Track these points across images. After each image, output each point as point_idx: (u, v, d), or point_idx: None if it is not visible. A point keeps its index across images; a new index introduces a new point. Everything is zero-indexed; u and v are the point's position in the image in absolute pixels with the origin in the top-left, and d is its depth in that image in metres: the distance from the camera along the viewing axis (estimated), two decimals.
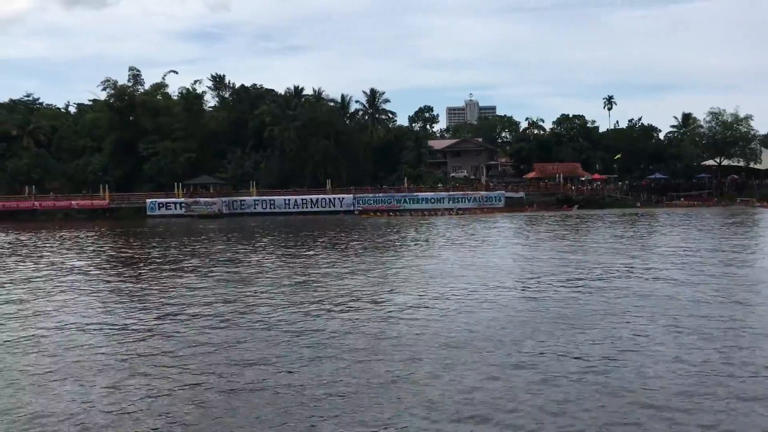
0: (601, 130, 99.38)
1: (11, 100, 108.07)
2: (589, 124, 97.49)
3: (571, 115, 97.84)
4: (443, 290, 19.33)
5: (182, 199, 74.10)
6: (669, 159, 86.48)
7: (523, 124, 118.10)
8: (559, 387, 10.30)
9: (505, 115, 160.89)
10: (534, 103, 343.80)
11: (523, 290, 19.22)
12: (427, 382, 10.70)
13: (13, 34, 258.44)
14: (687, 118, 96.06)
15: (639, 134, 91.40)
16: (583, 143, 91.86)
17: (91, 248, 37.78)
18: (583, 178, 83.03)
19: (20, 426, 9.21)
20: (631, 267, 23.60)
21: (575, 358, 11.91)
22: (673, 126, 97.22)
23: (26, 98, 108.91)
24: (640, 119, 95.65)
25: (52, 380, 11.30)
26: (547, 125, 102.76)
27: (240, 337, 13.95)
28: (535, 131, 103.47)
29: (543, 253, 29.65)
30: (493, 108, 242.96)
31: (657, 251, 29.01)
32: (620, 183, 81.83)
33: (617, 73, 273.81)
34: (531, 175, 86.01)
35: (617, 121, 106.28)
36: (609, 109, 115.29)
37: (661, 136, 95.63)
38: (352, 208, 71.56)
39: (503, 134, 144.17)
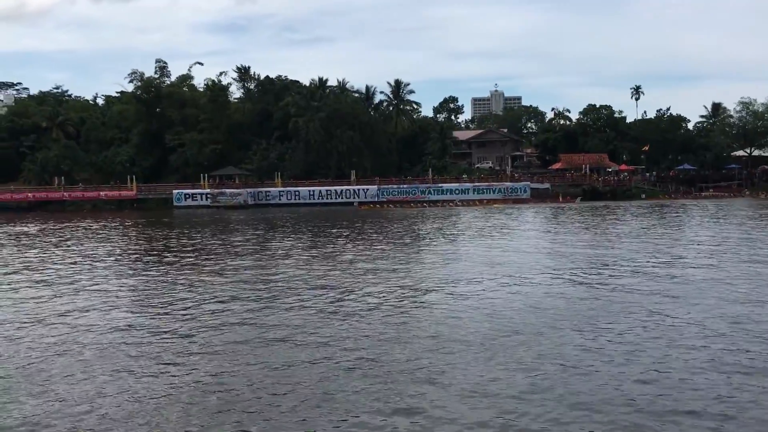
0: (629, 120, 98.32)
1: (41, 93, 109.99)
2: (616, 115, 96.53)
3: (597, 106, 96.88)
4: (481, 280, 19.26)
5: (208, 190, 74.69)
6: (698, 149, 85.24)
7: (549, 115, 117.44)
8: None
9: (530, 106, 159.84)
10: (560, 93, 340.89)
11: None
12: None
13: (43, 26, 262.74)
14: (717, 107, 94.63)
15: (667, 124, 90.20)
16: (610, 134, 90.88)
17: (118, 238, 38.29)
18: (610, 169, 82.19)
19: (45, 411, 9.35)
20: (656, 260, 23.30)
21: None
22: (702, 116, 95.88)
23: (55, 90, 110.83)
24: (668, 109, 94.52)
25: (72, 369, 11.47)
26: (574, 116, 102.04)
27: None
28: (561, 122, 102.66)
29: (570, 246, 29.38)
30: (519, 98, 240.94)
31: (683, 244, 28.61)
32: (648, 174, 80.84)
33: (645, 62, 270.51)
34: (557, 166, 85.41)
35: (645, 111, 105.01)
36: (637, 99, 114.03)
37: (690, 126, 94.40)
38: (376, 199, 71.68)
39: (529, 125, 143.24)
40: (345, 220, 48.86)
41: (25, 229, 46.49)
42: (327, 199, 72.70)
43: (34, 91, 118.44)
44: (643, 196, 70.63)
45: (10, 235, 41.59)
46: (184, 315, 15.60)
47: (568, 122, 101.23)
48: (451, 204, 68.63)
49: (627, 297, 16.52)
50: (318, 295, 17.55)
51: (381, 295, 17.37)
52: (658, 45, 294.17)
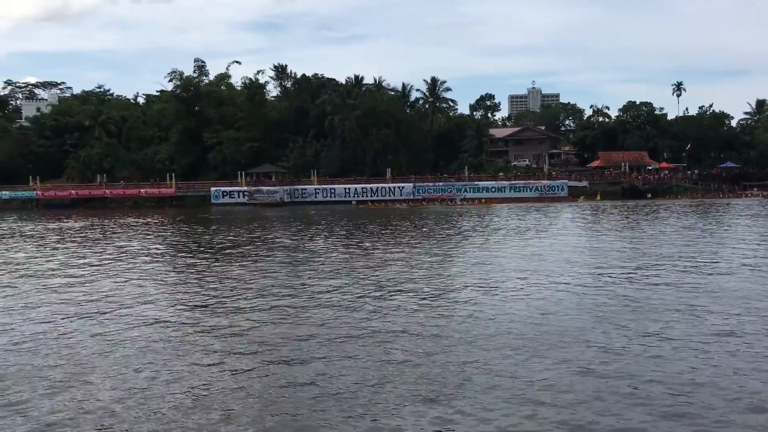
0: (670, 117, 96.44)
1: (84, 92, 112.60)
2: (656, 111, 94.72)
3: (637, 102, 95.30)
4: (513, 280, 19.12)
5: (245, 188, 75.51)
6: (741, 147, 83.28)
7: (588, 112, 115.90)
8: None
9: (568, 103, 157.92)
10: (599, 90, 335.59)
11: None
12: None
13: (85, 26, 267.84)
14: (761, 104, 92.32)
15: (710, 121, 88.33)
16: (650, 131, 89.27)
17: (159, 234, 38.95)
18: (650, 167, 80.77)
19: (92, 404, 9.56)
20: (696, 260, 22.83)
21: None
22: (746, 113, 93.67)
23: (98, 90, 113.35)
24: (710, 106, 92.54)
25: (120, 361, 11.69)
26: (613, 113, 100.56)
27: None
28: (600, 119, 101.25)
29: (612, 244, 28.96)
30: (557, 95, 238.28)
31: (724, 243, 27.98)
32: (689, 172, 79.27)
33: (687, 58, 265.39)
34: (595, 163, 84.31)
35: (686, 108, 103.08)
36: (678, 95, 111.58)
37: (734, 123, 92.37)
38: (411, 197, 71.67)
39: (567, 122, 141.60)
40: (382, 217, 48.92)
41: (70, 224, 47.59)
42: (363, 196, 72.84)
43: (77, 91, 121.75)
44: (682, 194, 69.37)
45: (55, 230, 42.62)
46: (233, 309, 15.80)
47: (607, 119, 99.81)
48: (478, 201, 68.30)
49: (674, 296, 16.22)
50: (359, 293, 17.59)
51: (426, 291, 17.36)
52: (700, 39, 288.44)
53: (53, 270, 23.42)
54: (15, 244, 33.79)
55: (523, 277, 19.58)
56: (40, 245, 33.03)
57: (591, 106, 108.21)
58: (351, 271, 21.43)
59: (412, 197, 71.55)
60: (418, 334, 12.97)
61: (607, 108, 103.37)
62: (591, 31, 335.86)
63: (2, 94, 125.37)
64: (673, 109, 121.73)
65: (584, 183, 74.54)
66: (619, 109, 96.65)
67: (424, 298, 16.63)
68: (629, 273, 19.95)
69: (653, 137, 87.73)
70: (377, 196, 72.73)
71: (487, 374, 10.46)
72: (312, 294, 17.53)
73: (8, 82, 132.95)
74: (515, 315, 14.49)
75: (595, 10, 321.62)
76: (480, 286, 18.18)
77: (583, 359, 11.11)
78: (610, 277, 19.36)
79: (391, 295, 17.09)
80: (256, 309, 15.76)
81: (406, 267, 22.26)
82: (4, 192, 78.68)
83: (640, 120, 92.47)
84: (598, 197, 69.06)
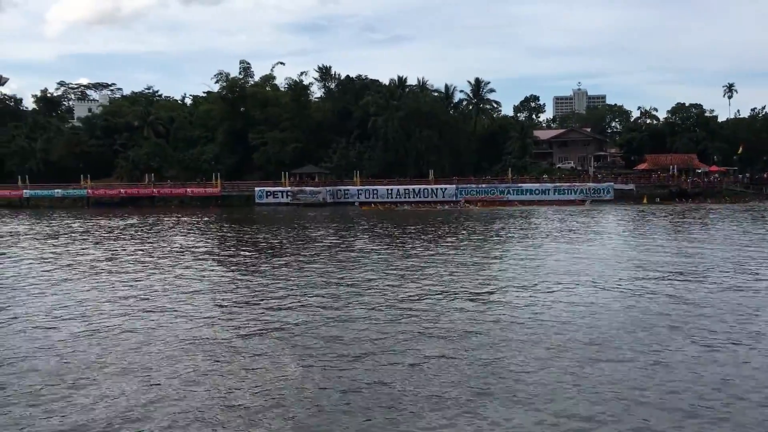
0: (720, 119, 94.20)
1: (133, 93, 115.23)
2: (706, 114, 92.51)
3: (687, 104, 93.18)
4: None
5: (288, 188, 76.13)
6: None
7: (635, 114, 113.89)
8: None
9: (615, 105, 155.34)
10: (647, 91, 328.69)
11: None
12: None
13: (136, 29, 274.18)
14: None
15: (762, 124, 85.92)
16: (700, 133, 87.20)
17: (206, 233, 39.60)
18: (699, 170, 78.87)
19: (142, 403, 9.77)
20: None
21: None
22: None
23: (147, 91, 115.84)
24: (763, 108, 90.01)
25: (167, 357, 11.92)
26: (661, 114, 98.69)
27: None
28: (648, 121, 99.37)
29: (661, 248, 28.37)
30: (603, 97, 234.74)
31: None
32: (741, 176, 77.18)
33: (739, 59, 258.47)
34: (642, 166, 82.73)
35: (738, 110, 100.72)
36: (729, 97, 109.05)
37: None
38: (454, 198, 71.41)
39: (613, 124, 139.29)
40: (422, 219, 48.86)
41: (118, 222, 48.73)
42: (405, 197, 72.84)
43: (127, 92, 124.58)
44: (732, 198, 67.57)
45: (110, 228, 43.70)
46: (283, 306, 15.98)
47: (654, 121, 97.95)
48: (481, 204, 67.91)
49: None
50: (403, 294, 17.61)
51: (480, 291, 17.30)
52: (752, 40, 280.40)
53: (103, 265, 24.02)
54: (70, 242, 34.74)
55: (570, 280, 19.33)
56: (91, 242, 33.92)
57: (638, 108, 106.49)
58: (395, 271, 21.45)
59: (454, 199, 71.25)
60: (474, 334, 12.92)
61: (655, 110, 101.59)
62: (639, 31, 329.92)
63: (56, 95, 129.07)
64: (724, 111, 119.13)
65: (630, 186, 73.19)
66: (668, 111, 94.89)
67: (474, 300, 16.55)
68: (676, 278, 19.52)
69: (703, 140, 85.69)
70: (419, 197, 72.61)
71: (544, 384, 10.36)
72: (356, 292, 17.60)
73: (61, 84, 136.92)
74: (562, 319, 14.32)
75: (643, 10, 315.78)
76: (525, 288, 18.01)
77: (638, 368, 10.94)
78: (657, 282, 18.97)
79: (437, 295, 17.04)
80: (304, 306, 15.89)
81: (450, 268, 22.19)
82: (56, 190, 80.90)
83: (689, 122, 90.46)
84: (645, 200, 67.81)
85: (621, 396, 9.50)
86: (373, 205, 70.16)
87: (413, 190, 73.75)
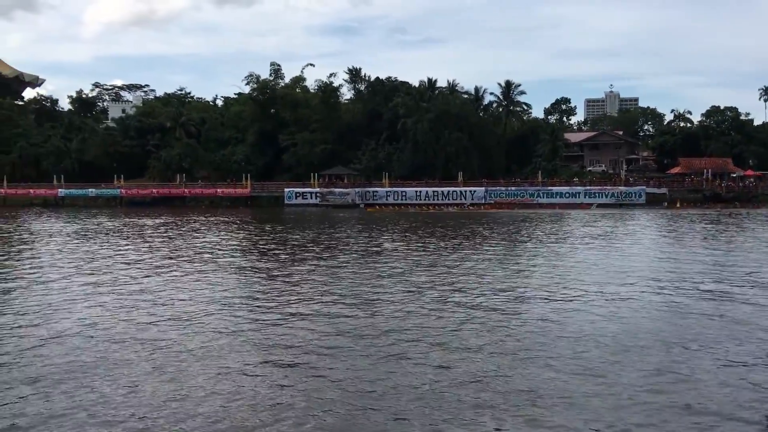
0: (756, 122, 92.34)
1: (166, 94, 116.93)
2: (742, 117, 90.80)
3: (722, 107, 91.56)
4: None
5: (318, 189, 76.49)
6: None
7: (668, 117, 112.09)
8: None
9: (648, 107, 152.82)
10: (680, 94, 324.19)
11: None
12: None
13: (170, 32, 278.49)
14: None
15: None
16: (735, 137, 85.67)
17: (237, 232, 39.97)
18: (734, 174, 77.42)
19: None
20: None
21: None
22: None
23: (179, 92, 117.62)
24: None
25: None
26: (695, 117, 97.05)
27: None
28: (681, 124, 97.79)
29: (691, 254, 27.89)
30: (636, 99, 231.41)
31: None
32: None
33: None
34: (675, 170, 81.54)
35: None
36: (766, 100, 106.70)
37: None
38: (483, 201, 71.10)
39: (645, 127, 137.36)
40: (451, 221, 48.72)
41: (151, 221, 49.42)
42: (434, 199, 72.72)
43: (160, 93, 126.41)
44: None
45: (143, 227, 44.34)
46: (312, 306, 16.07)
47: (688, 124, 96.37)
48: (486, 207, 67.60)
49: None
50: (441, 295, 17.58)
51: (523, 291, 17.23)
52: None
53: (136, 263, 24.39)
54: (106, 240, 35.33)
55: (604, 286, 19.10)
56: (126, 240, 34.47)
57: (672, 111, 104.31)
58: (425, 273, 21.42)
59: (483, 201, 70.95)
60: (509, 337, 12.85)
61: (689, 113, 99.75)
62: (673, 33, 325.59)
63: (91, 96, 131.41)
64: (760, 114, 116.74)
65: (663, 190, 72.20)
66: (702, 114, 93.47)
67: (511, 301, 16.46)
68: (708, 286, 19.18)
69: (738, 143, 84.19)
70: (448, 199, 72.42)
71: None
72: (393, 293, 17.61)
73: (96, 85, 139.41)
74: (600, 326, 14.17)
75: (677, 11, 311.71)
76: (553, 291, 17.85)
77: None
78: (687, 290, 18.65)
79: (454, 299, 16.98)
80: (335, 306, 15.95)
81: (479, 270, 22.08)
82: (90, 190, 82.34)
83: (724, 125, 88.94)
84: (678, 204, 66.80)
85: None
86: (377, 206, 70.21)
87: (442, 192, 73.56)
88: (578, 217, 52.55)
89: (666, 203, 68.05)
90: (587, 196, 70.24)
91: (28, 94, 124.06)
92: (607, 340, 12.67)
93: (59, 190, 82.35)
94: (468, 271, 22.08)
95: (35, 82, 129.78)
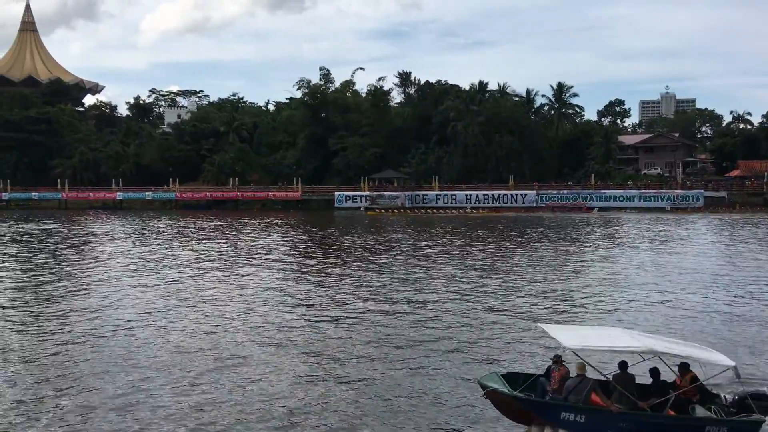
0: None
1: (220, 99, 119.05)
2: None
3: None
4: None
5: (367, 193, 76.70)
6: None
7: (727, 118, 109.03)
8: None
9: (705, 109, 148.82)
10: (740, 95, 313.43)
11: None
12: None
13: (223, 38, 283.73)
14: None
15: None
16: None
17: (290, 235, 40.46)
18: None
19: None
20: None
21: None
22: None
23: (232, 97, 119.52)
24: None
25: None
26: (755, 119, 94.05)
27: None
28: (741, 126, 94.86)
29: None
30: (693, 101, 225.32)
31: None
32: None
33: None
34: (734, 173, 79.05)
35: None
36: None
37: None
38: (534, 204, 70.27)
39: (703, 129, 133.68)
40: (502, 225, 48.32)
41: (207, 224, 50.43)
42: (484, 203, 72.19)
43: (213, 98, 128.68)
44: None
45: (200, 229, 45.30)
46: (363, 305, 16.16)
47: (748, 126, 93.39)
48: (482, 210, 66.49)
49: None
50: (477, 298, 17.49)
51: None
52: None
53: (192, 262, 24.92)
54: (169, 242, 36.20)
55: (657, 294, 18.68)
56: (186, 241, 35.27)
57: (731, 113, 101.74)
58: (469, 276, 21.31)
59: (534, 205, 70.12)
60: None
61: (749, 114, 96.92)
62: (732, 32, 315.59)
63: (147, 101, 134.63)
64: None
65: (722, 193, 70.05)
66: (763, 116, 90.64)
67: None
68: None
69: None
70: (499, 203, 71.82)
71: None
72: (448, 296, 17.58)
73: (153, 91, 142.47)
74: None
75: (736, 10, 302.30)
76: (606, 295, 17.55)
77: None
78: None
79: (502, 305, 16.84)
80: (385, 306, 16.01)
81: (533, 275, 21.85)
82: (147, 193, 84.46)
83: None
84: (737, 208, 64.78)
85: None
86: (378, 210, 69.92)
87: (492, 195, 72.97)
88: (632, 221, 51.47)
89: (724, 206, 66.01)
90: (642, 200, 68.71)
91: (88, 100, 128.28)
92: None
93: (117, 193, 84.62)
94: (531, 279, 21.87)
95: (95, 88, 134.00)
